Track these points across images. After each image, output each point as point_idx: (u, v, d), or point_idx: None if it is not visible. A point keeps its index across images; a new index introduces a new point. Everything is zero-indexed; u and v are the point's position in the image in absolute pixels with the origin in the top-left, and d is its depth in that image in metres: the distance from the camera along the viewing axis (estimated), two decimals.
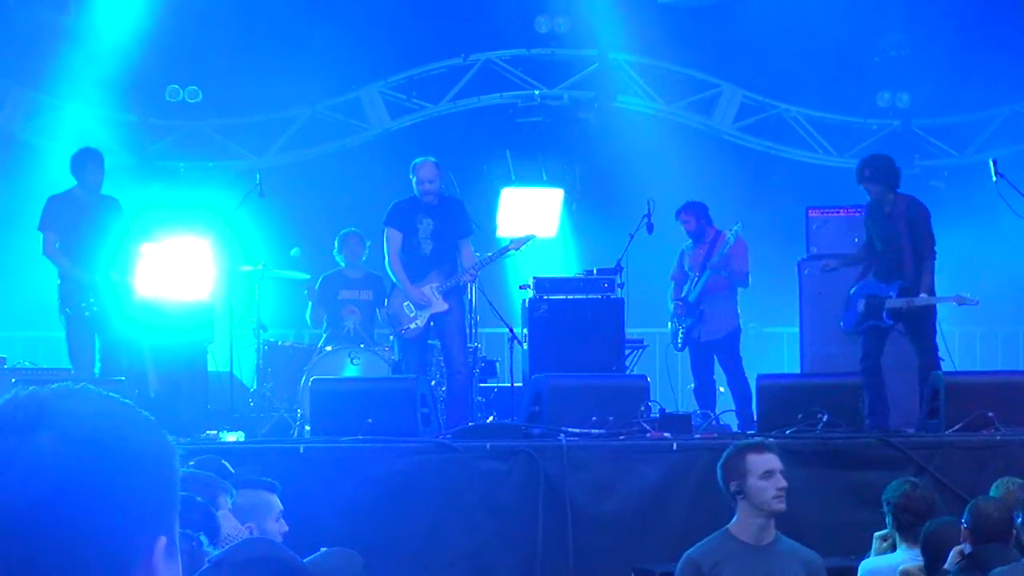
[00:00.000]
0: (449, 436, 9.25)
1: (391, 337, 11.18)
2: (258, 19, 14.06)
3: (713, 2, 14.66)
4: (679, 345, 11.94)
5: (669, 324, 12.00)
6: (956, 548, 5.95)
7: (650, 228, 11.75)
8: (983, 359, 14.22)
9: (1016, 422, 8.97)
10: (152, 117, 14.30)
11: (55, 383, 1.55)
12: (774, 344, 14.21)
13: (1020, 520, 6.26)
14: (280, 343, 12.18)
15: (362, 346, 11.41)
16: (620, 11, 14.62)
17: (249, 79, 14.07)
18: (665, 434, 9.00)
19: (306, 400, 10.27)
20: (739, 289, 11.77)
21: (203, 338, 10.43)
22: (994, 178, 10.54)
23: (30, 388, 1.53)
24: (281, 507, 5.74)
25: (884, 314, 10.17)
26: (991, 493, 6.74)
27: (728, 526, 6.04)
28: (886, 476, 7.56)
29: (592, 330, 11.25)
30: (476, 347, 11.37)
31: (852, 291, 10.47)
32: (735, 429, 10.59)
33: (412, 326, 10.53)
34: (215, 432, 9.74)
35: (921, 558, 6.27)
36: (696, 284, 11.71)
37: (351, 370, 11.07)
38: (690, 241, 11.95)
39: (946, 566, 5.98)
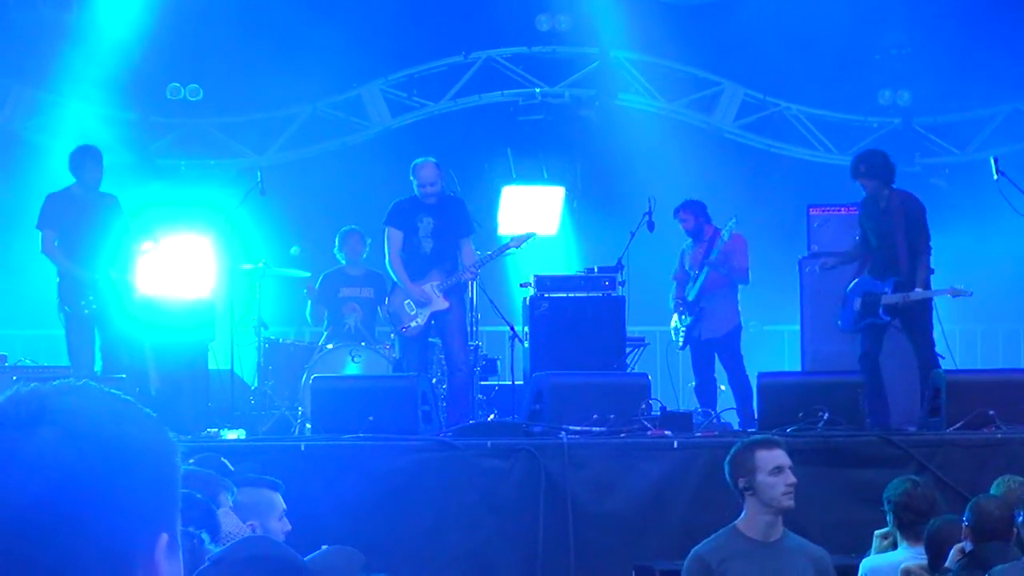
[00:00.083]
0: (450, 434, 9.24)
1: (392, 335, 11.17)
2: (259, 17, 14.04)
3: (714, 0, 14.65)
4: (680, 343, 11.93)
5: (673, 320, 11.96)
6: (957, 546, 5.95)
7: (651, 226, 11.75)
8: (984, 357, 14.20)
9: (1017, 420, 8.96)
10: (153, 115, 14.30)
11: (56, 380, 1.54)
12: (775, 342, 14.20)
13: (1021, 518, 6.25)
14: (281, 341, 12.17)
15: (363, 344, 11.41)
16: (621, 9, 14.61)
17: (250, 77, 14.07)
18: (666, 432, 8.99)
19: (307, 398, 10.27)
20: (740, 287, 11.76)
21: (204, 336, 10.44)
22: (995, 176, 10.51)
23: (31, 384, 1.52)
24: (284, 506, 5.74)
25: (881, 310, 10.14)
26: (992, 491, 6.74)
27: (736, 522, 5.96)
28: (887, 474, 7.56)
29: (593, 328, 11.25)
30: (477, 345, 11.35)
31: (848, 289, 10.44)
32: (736, 427, 10.59)
33: (413, 324, 10.52)
34: (216, 430, 9.74)
35: (922, 556, 6.27)
36: (695, 282, 11.71)
37: (352, 368, 11.07)
38: (690, 240, 11.95)
39: (947, 564, 5.98)
